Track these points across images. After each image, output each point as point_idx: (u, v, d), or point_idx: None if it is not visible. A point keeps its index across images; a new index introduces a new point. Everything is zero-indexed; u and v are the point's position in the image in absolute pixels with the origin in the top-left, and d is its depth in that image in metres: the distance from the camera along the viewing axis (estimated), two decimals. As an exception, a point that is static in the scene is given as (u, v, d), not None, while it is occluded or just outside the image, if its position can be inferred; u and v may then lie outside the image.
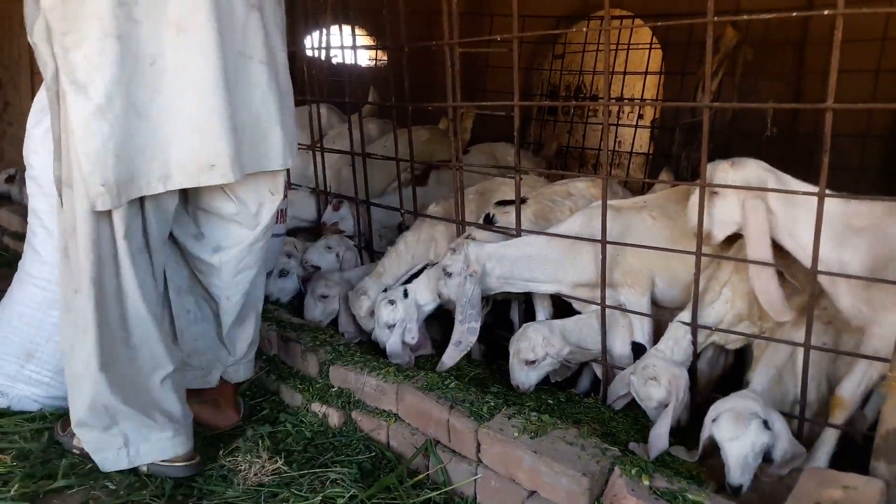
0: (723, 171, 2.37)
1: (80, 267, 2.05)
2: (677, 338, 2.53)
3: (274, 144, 2.29)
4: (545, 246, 2.81)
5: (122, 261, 2.10)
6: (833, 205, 2.20)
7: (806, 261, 2.20)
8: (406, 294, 2.98)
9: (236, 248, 2.42)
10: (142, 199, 2.13)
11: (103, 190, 1.97)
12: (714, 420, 2.09)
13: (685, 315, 2.56)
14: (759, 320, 2.52)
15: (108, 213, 2.04)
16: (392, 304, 2.94)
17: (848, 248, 2.22)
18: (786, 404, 2.36)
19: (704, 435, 2.14)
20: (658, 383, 2.42)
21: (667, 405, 2.39)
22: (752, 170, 2.35)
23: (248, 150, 2.20)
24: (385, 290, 3.06)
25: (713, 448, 2.13)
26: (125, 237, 2.08)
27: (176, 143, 2.06)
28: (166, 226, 2.28)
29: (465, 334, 2.72)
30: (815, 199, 2.08)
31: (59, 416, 2.51)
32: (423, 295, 3.01)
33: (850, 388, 2.21)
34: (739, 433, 2.00)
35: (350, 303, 3.25)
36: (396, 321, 2.93)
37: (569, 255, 2.80)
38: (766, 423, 2.01)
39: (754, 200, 2.31)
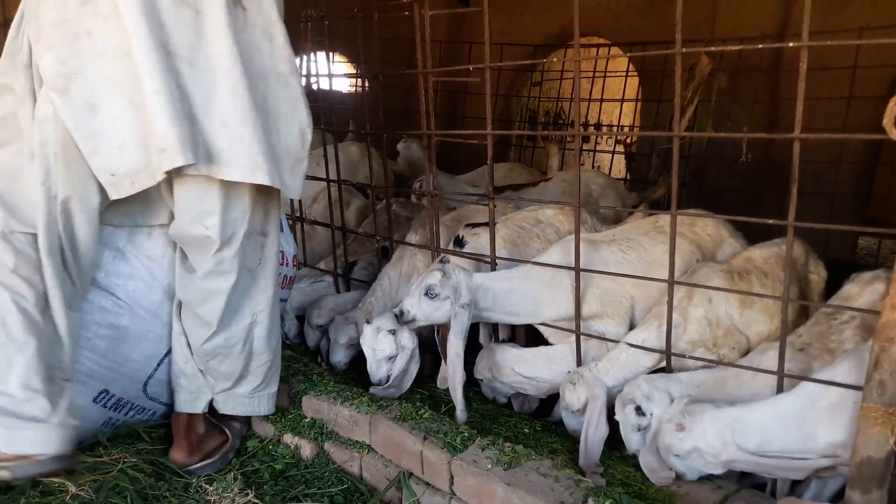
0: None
1: None
2: (614, 359, 2.53)
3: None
4: (526, 281, 2.79)
5: None
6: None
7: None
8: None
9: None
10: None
11: (114, 179, 2.06)
12: None
13: (631, 337, 2.57)
14: (715, 347, 2.52)
15: None
16: (392, 333, 2.80)
17: None
18: None
19: None
20: (574, 390, 2.49)
21: (581, 417, 2.48)
22: None
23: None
24: (368, 322, 2.90)
25: None
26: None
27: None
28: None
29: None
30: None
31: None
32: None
33: None
34: (620, 412, 2.35)
35: (335, 326, 3.12)
36: (398, 351, 2.81)
37: (548, 292, 2.78)
38: (639, 409, 2.29)
39: None
